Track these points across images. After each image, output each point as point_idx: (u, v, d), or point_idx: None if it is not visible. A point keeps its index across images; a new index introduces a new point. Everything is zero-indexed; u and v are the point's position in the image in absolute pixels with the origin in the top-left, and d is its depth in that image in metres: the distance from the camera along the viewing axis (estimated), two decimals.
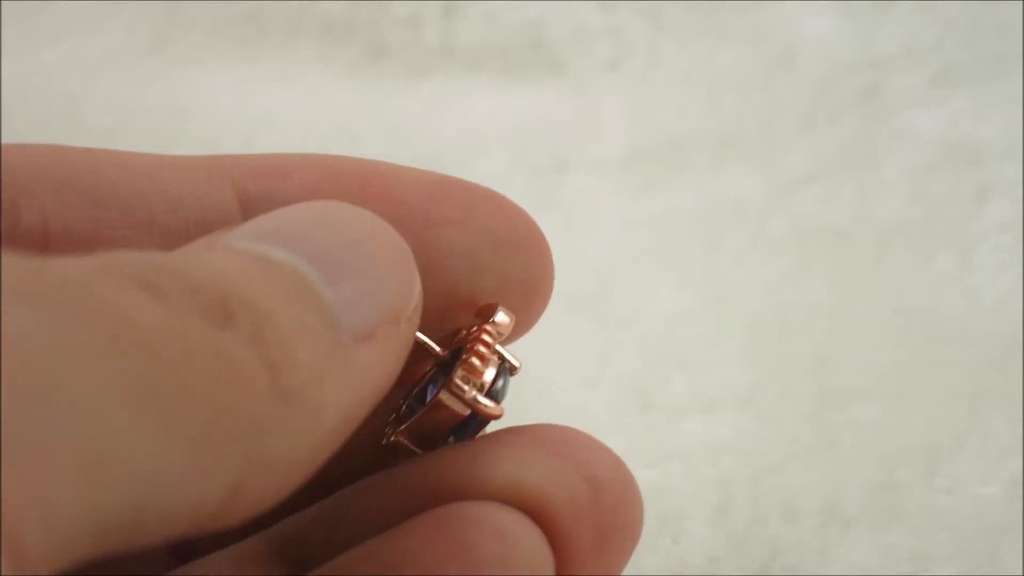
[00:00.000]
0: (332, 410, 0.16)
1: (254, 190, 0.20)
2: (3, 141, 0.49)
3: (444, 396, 0.19)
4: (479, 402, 0.19)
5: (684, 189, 0.43)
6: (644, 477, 0.21)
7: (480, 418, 0.19)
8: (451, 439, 0.20)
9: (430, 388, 0.20)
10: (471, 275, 0.20)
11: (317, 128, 0.46)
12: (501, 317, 0.20)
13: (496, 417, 0.19)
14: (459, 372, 0.19)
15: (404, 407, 0.21)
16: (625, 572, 0.19)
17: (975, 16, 0.47)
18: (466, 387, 0.19)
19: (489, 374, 0.19)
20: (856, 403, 0.36)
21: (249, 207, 0.19)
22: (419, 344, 0.19)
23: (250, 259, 0.16)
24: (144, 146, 0.49)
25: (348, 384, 0.16)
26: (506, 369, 0.20)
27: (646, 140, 0.45)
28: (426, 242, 0.19)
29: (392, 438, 0.20)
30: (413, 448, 0.20)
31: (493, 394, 0.19)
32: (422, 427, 0.19)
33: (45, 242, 0.18)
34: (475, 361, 0.19)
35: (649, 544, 0.32)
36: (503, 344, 0.20)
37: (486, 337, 0.19)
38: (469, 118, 0.46)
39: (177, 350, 0.14)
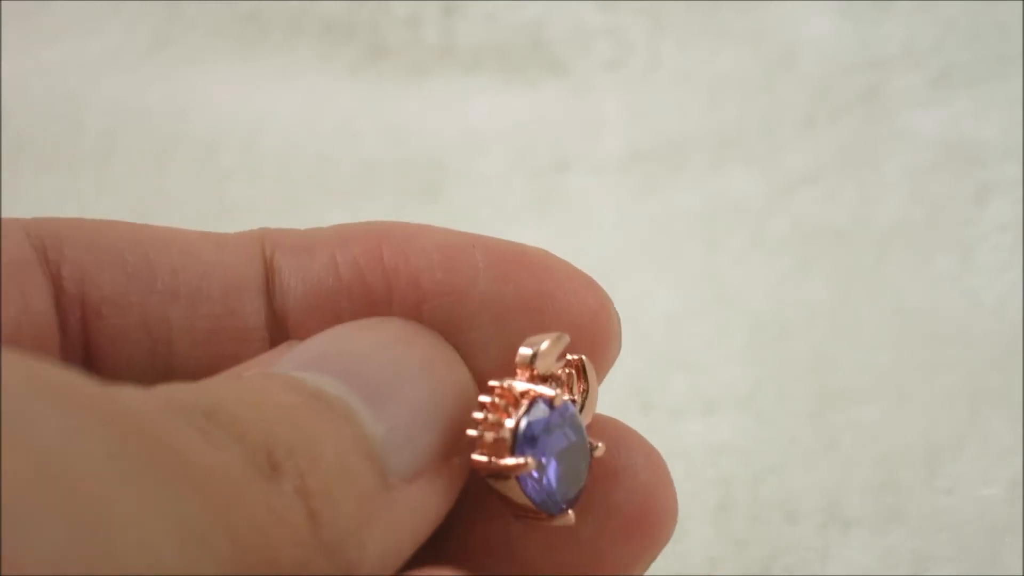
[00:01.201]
0: (372, 558, 0.16)
1: (280, 262, 0.20)
2: (3, 141, 0.49)
3: (488, 480, 0.18)
4: (507, 465, 0.18)
5: (684, 189, 0.43)
6: None
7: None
8: (530, 491, 0.19)
9: None
10: (469, 352, 0.19)
11: (317, 128, 0.46)
12: (520, 356, 0.18)
13: (524, 470, 0.18)
14: (474, 452, 0.18)
15: None
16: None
17: (975, 16, 0.47)
18: (484, 458, 0.18)
19: (507, 429, 0.18)
20: (856, 403, 0.36)
21: (272, 276, 0.20)
22: None
23: (304, 397, 0.16)
24: (144, 146, 0.49)
25: (391, 529, 0.16)
26: (539, 407, 0.18)
27: (646, 140, 0.45)
28: (418, 317, 0.19)
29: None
30: (525, 512, 0.19)
31: (528, 438, 0.18)
32: (507, 498, 0.18)
33: (83, 307, 0.19)
34: (473, 432, 0.18)
35: None
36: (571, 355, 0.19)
37: (484, 398, 0.18)
38: (469, 118, 0.46)
39: (228, 495, 0.14)
